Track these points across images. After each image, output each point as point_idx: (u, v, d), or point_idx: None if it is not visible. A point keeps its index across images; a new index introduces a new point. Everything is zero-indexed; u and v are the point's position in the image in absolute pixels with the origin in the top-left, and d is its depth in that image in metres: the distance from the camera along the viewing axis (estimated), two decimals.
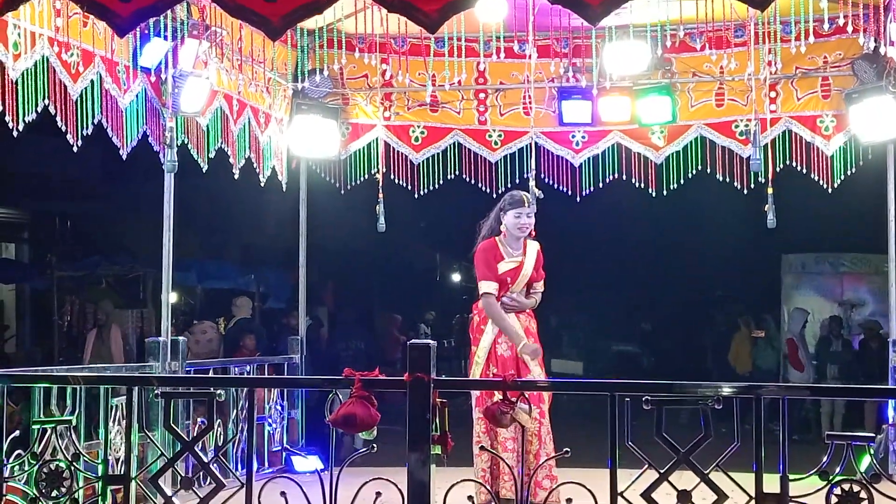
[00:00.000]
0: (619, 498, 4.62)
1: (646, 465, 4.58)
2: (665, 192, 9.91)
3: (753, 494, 4.52)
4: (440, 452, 4.77)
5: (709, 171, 9.75)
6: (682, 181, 9.83)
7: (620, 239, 24.61)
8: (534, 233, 7.72)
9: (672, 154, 9.82)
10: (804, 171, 9.53)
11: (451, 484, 4.78)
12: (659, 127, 9.79)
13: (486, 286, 7.42)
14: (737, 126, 9.62)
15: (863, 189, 9.91)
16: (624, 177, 9.95)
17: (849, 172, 9.46)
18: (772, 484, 4.50)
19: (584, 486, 4.66)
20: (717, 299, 23.77)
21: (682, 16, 8.39)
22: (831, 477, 4.48)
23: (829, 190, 9.53)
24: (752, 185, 9.51)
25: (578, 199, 10.02)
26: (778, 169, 9.47)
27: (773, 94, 9.45)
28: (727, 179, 9.66)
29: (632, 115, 9.70)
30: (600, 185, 10.00)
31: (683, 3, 8.27)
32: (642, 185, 9.92)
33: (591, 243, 24.40)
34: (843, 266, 21.00)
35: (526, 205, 7.54)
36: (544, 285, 7.75)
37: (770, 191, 9.32)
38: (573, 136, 9.99)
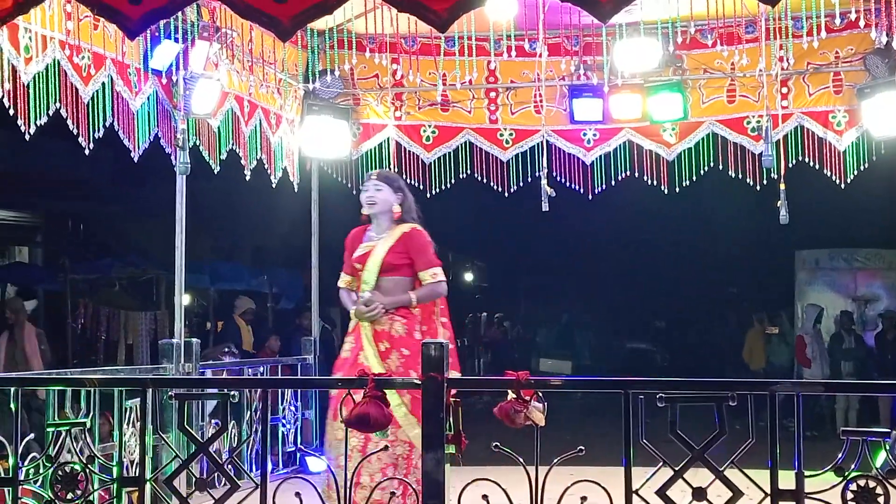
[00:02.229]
0: (634, 496, 4.61)
1: (660, 463, 4.57)
2: (677, 190, 9.89)
3: (769, 491, 4.50)
4: (455, 452, 4.77)
5: (721, 167, 9.73)
6: (694, 178, 9.81)
7: (633, 236, 24.63)
8: (421, 218, 7.15)
9: (684, 151, 9.81)
10: (817, 166, 9.51)
11: (465, 483, 4.77)
12: (670, 124, 9.78)
13: (341, 279, 7.14)
14: (748, 122, 9.60)
15: (876, 184, 9.90)
16: (636, 174, 9.93)
17: (862, 168, 9.43)
18: (787, 480, 4.49)
19: (598, 484, 4.65)
20: (731, 296, 23.80)
21: (693, 12, 8.37)
22: (847, 473, 4.46)
23: (842, 185, 9.51)
24: (765, 182, 9.49)
25: (590, 197, 10.00)
26: (790, 165, 9.45)
27: (784, 90, 9.42)
28: (739, 176, 9.64)
29: (643, 112, 9.68)
30: (612, 182, 9.98)
31: (694, 0, 8.25)
32: (654, 183, 9.90)
33: (603, 241, 24.45)
34: (856, 262, 20.99)
35: (371, 178, 7.09)
36: (439, 277, 6.95)
37: (783, 187, 9.29)
38: (584, 134, 9.98)
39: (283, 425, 9.16)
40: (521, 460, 4.74)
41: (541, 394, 4.89)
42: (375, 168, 10.04)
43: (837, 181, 9.49)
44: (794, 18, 8.83)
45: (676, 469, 4.53)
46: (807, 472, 4.48)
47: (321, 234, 10.18)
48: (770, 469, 4.49)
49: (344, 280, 7.11)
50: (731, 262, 24.41)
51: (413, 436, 6.26)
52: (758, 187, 9.58)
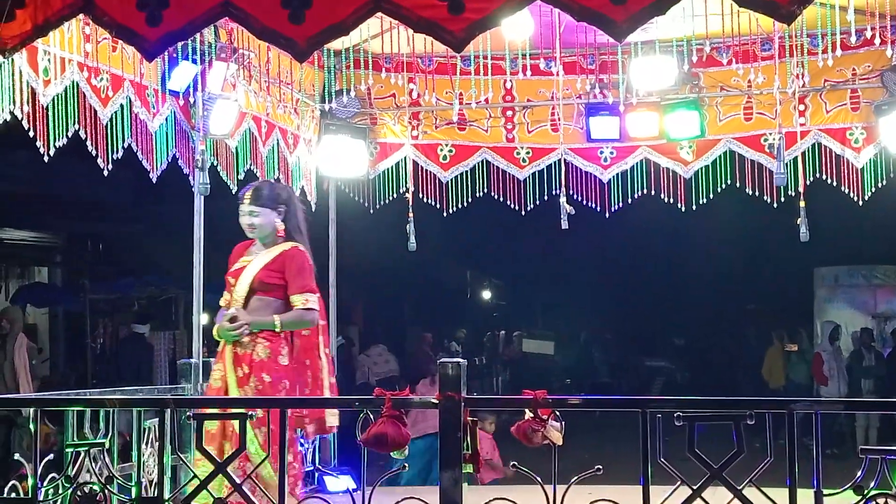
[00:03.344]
0: None
1: (679, 482, 4.56)
2: (694, 207, 9.88)
3: None
4: (472, 471, 4.77)
5: (738, 185, 9.71)
6: (711, 196, 9.80)
7: (650, 254, 24.61)
8: (309, 235, 6.79)
9: (701, 168, 9.79)
10: (835, 183, 9.49)
11: (483, 503, 4.77)
12: (687, 142, 9.77)
13: (223, 296, 6.58)
14: (766, 140, 9.58)
15: (894, 200, 9.85)
16: (653, 192, 9.92)
17: (880, 184, 9.40)
18: (806, 499, 4.47)
19: None
20: (750, 313, 23.73)
21: (709, 30, 8.35)
22: (866, 491, 4.45)
23: (860, 202, 9.48)
24: (783, 199, 9.47)
25: (608, 215, 10.00)
26: (808, 182, 9.43)
27: (801, 107, 9.40)
28: (757, 193, 9.62)
29: (660, 130, 9.68)
30: (629, 200, 9.97)
31: (709, 18, 8.25)
32: (671, 200, 9.89)
33: (621, 259, 24.43)
34: (876, 278, 20.91)
35: (243, 202, 6.53)
36: (310, 304, 6.40)
37: (802, 204, 9.27)
38: (601, 152, 9.98)
39: (301, 445, 9.15)
40: (539, 479, 4.74)
41: (558, 412, 4.89)
42: (393, 187, 10.07)
43: (855, 198, 9.46)
44: (810, 36, 8.80)
45: (695, 488, 4.53)
46: (826, 491, 4.47)
47: (339, 252, 10.20)
48: (789, 488, 4.48)
49: (224, 299, 6.54)
50: (750, 279, 24.34)
51: (264, 474, 5.72)
52: (775, 205, 9.55)
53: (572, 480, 4.71)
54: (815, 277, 20.98)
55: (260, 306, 6.34)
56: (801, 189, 9.34)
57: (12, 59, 6.00)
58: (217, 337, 6.31)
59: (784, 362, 18.87)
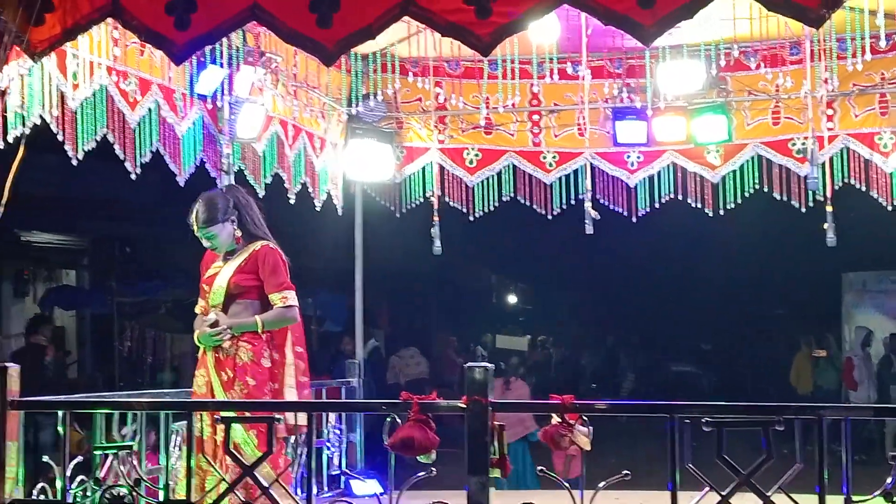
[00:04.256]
0: None
1: (707, 488, 4.54)
2: (722, 212, 9.86)
3: None
4: (499, 476, 4.76)
5: (766, 189, 9.68)
6: (738, 200, 9.77)
7: (677, 259, 24.51)
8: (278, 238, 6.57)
9: (728, 173, 9.77)
10: (863, 188, 9.44)
11: None
12: (715, 146, 9.74)
13: (197, 304, 6.44)
14: (793, 144, 9.55)
15: None
16: (680, 196, 9.90)
17: None
18: None
19: None
20: (777, 319, 23.62)
21: (737, 34, 8.35)
22: (895, 498, 4.41)
23: (889, 207, 9.43)
24: (811, 204, 9.43)
25: (634, 219, 9.98)
26: (836, 187, 9.38)
27: (830, 112, 9.36)
28: (785, 198, 9.59)
29: (687, 134, 9.65)
30: (656, 205, 9.96)
31: (737, 22, 8.22)
32: (699, 205, 9.87)
33: (647, 263, 24.34)
34: None
35: (195, 230, 6.35)
36: (290, 301, 6.28)
37: (830, 209, 9.22)
38: (628, 157, 9.96)
39: (328, 448, 9.16)
40: (567, 485, 4.73)
41: (586, 418, 4.87)
42: (420, 191, 10.07)
43: (884, 203, 9.41)
44: (839, 40, 8.77)
45: (723, 494, 4.50)
46: (855, 497, 4.44)
47: (365, 256, 10.22)
48: (818, 494, 4.45)
49: (199, 306, 6.39)
50: (777, 284, 24.22)
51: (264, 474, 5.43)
52: (803, 209, 9.52)
53: (600, 486, 4.69)
54: (843, 283, 20.84)
55: (239, 310, 6.24)
56: (828, 194, 9.29)
57: (42, 63, 6.03)
58: (198, 342, 6.23)
59: (812, 368, 18.77)
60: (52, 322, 17.54)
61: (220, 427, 5.83)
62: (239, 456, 5.25)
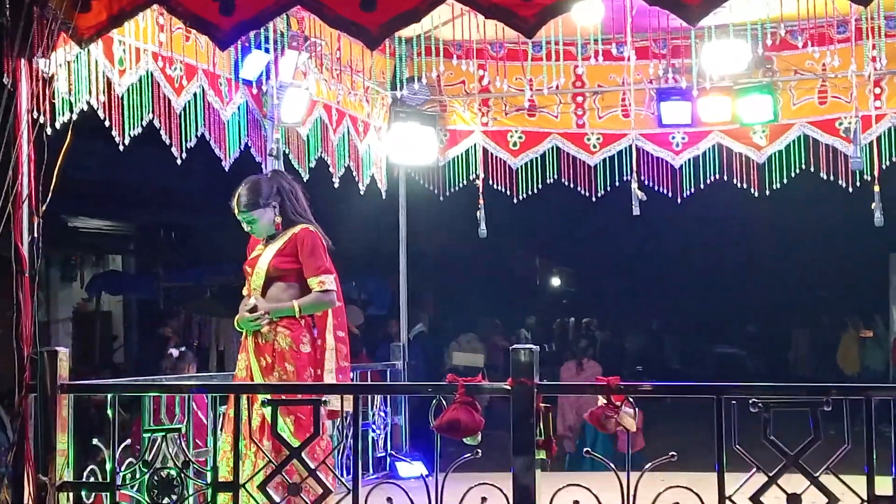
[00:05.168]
0: (728, 501, 4.58)
1: (754, 469, 4.53)
2: (767, 192, 9.77)
3: (865, 497, 4.44)
4: (545, 457, 4.77)
5: (812, 169, 9.60)
6: (785, 181, 9.68)
7: (722, 240, 24.36)
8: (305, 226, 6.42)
9: (774, 153, 9.68)
10: None
11: (556, 489, 4.77)
12: (760, 126, 9.66)
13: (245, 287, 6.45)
14: (840, 123, 9.45)
15: None
16: (725, 177, 9.84)
17: None
18: (884, 486, 4.43)
19: (691, 490, 4.63)
20: (824, 299, 23.44)
21: (783, 13, 8.26)
22: None
23: None
24: (858, 184, 9.34)
25: (679, 200, 9.92)
26: (884, 166, 9.29)
27: (877, 91, 9.24)
28: (831, 178, 9.50)
29: (732, 114, 9.58)
30: (701, 186, 9.89)
31: (784, 1, 8.15)
32: (744, 186, 9.79)
33: (692, 244, 24.21)
34: None
35: (237, 214, 6.41)
36: (327, 285, 6.24)
37: (877, 189, 9.14)
38: (673, 138, 9.91)
39: (373, 431, 9.21)
40: (613, 466, 4.73)
41: (632, 399, 4.88)
42: (463, 174, 10.06)
43: None
44: (888, 18, 8.67)
45: (770, 475, 4.49)
46: None
47: (409, 240, 10.23)
48: (867, 475, 4.43)
49: (245, 289, 6.42)
50: (824, 265, 24.01)
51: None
52: (850, 189, 9.43)
53: (646, 467, 4.70)
54: (890, 263, 20.67)
55: (278, 293, 6.23)
56: (875, 173, 9.20)
57: (88, 50, 6.09)
58: (238, 327, 6.28)
59: (859, 349, 18.66)
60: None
61: (256, 411, 5.90)
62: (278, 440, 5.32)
